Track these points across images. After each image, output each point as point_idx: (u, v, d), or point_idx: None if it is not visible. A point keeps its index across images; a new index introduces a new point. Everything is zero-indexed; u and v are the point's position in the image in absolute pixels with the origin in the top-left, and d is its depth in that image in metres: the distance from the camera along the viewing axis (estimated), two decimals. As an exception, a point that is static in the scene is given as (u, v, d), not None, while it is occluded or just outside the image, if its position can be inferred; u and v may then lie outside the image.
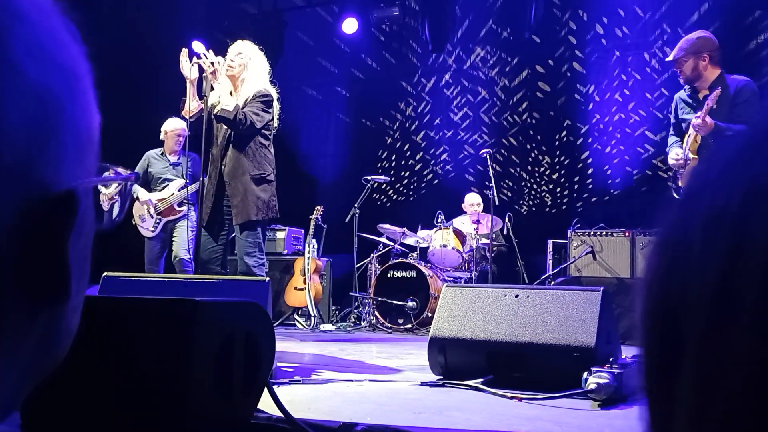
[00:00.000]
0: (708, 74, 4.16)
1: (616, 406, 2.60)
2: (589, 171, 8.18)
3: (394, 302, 6.58)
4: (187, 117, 4.25)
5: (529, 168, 8.56)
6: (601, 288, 3.11)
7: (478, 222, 6.99)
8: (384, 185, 8.89)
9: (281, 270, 7.27)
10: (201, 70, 4.08)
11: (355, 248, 7.27)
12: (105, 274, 3.07)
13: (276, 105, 4.22)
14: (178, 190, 5.87)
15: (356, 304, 7.28)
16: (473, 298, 3.26)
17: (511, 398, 2.72)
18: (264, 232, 4.21)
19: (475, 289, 3.34)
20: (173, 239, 5.85)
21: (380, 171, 8.76)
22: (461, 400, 2.76)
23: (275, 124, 4.26)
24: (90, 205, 0.41)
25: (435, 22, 8.70)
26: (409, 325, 6.48)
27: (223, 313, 1.81)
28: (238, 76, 4.15)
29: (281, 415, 1.93)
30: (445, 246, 6.82)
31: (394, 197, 9.37)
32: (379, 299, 6.66)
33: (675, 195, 4.37)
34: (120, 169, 0.46)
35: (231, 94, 4.13)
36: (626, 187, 7.87)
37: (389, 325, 6.55)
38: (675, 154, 4.30)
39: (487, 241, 6.78)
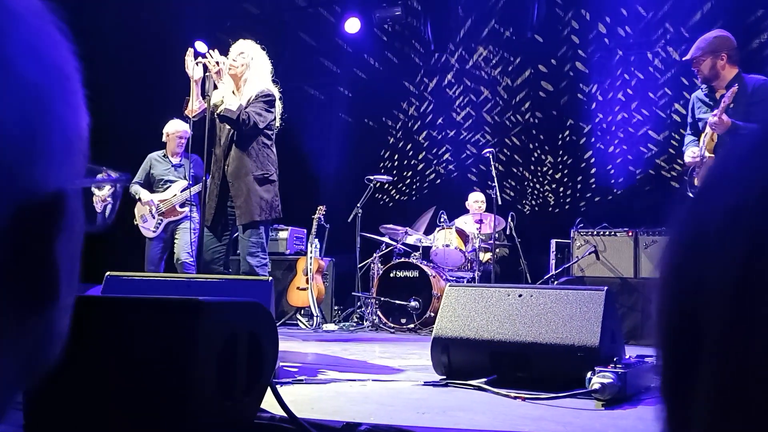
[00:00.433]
0: (726, 73, 4.15)
1: (620, 406, 2.59)
2: (592, 170, 8.17)
3: (397, 302, 6.58)
4: (190, 117, 4.25)
5: (532, 168, 8.55)
6: (605, 288, 3.10)
7: (480, 222, 6.98)
8: (386, 185, 8.89)
9: (284, 270, 7.27)
10: (205, 69, 4.08)
11: (358, 248, 7.27)
12: (108, 273, 3.07)
13: (278, 105, 4.22)
14: (181, 191, 5.87)
15: (359, 303, 7.27)
16: (476, 297, 3.25)
17: (515, 398, 2.71)
18: (267, 232, 4.21)
19: (478, 289, 3.34)
20: (175, 241, 5.86)
21: (383, 171, 8.76)
22: (465, 400, 2.76)
23: (277, 124, 4.26)
24: (79, 206, 0.41)
25: (437, 21, 8.69)
26: (412, 325, 6.47)
27: (226, 312, 1.80)
28: (240, 75, 4.15)
29: (285, 414, 1.92)
30: (447, 246, 6.82)
31: (397, 197, 9.37)
32: (382, 299, 6.65)
33: (690, 194, 4.36)
34: (111, 172, 0.45)
35: (233, 93, 4.13)
36: (629, 187, 7.86)
37: (392, 325, 6.55)
38: (691, 152, 4.29)
39: (490, 241, 6.78)
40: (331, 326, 6.72)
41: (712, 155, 4.13)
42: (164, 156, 6.04)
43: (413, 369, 3.63)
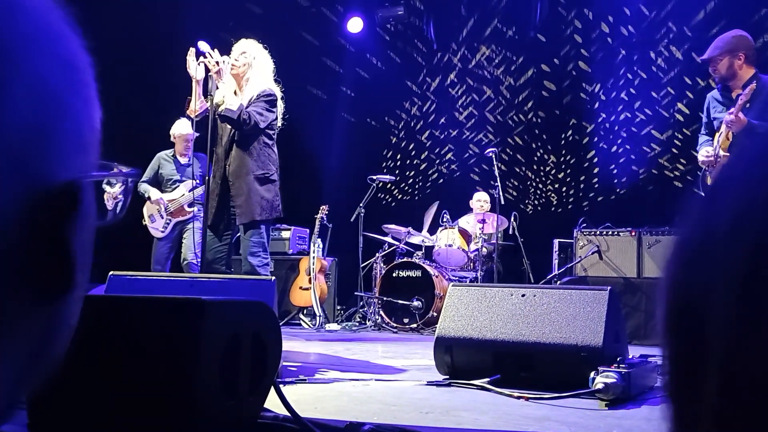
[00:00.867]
0: (743, 73, 4.15)
1: (624, 405, 2.59)
2: (595, 170, 8.16)
3: (400, 302, 6.58)
4: (192, 116, 4.26)
5: (535, 167, 8.55)
6: (609, 287, 3.10)
7: (483, 221, 6.98)
8: (389, 185, 8.89)
9: (286, 269, 7.27)
10: (207, 69, 4.09)
11: (360, 248, 7.27)
12: (111, 273, 3.07)
13: (280, 104, 4.22)
14: (189, 191, 5.90)
15: (361, 303, 7.27)
16: (479, 297, 3.25)
17: (518, 398, 2.71)
18: (268, 231, 4.21)
19: (481, 289, 3.33)
20: (183, 241, 5.89)
21: (385, 170, 8.76)
22: (468, 400, 2.75)
23: (279, 124, 4.26)
24: (92, 197, 0.41)
25: (440, 21, 8.69)
26: (415, 325, 6.47)
27: (229, 312, 1.80)
28: (242, 75, 4.15)
29: (288, 414, 1.92)
30: (450, 245, 6.82)
31: (399, 197, 9.37)
32: (385, 299, 6.65)
33: (701, 193, 4.34)
34: (122, 167, 0.46)
35: (235, 93, 4.13)
36: (632, 186, 7.86)
37: (394, 325, 6.55)
38: (705, 151, 4.28)
39: (493, 242, 6.77)
40: (333, 326, 6.72)
41: (727, 154, 4.12)
42: (173, 156, 6.09)
43: (416, 369, 3.62)
